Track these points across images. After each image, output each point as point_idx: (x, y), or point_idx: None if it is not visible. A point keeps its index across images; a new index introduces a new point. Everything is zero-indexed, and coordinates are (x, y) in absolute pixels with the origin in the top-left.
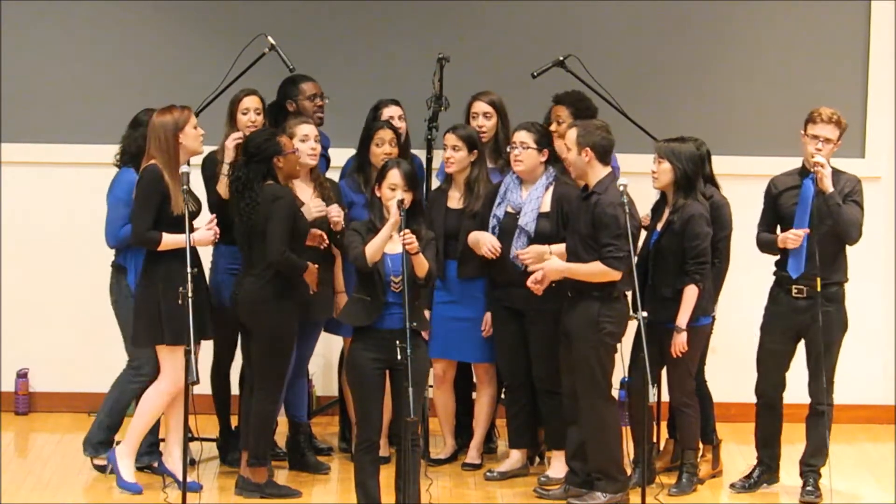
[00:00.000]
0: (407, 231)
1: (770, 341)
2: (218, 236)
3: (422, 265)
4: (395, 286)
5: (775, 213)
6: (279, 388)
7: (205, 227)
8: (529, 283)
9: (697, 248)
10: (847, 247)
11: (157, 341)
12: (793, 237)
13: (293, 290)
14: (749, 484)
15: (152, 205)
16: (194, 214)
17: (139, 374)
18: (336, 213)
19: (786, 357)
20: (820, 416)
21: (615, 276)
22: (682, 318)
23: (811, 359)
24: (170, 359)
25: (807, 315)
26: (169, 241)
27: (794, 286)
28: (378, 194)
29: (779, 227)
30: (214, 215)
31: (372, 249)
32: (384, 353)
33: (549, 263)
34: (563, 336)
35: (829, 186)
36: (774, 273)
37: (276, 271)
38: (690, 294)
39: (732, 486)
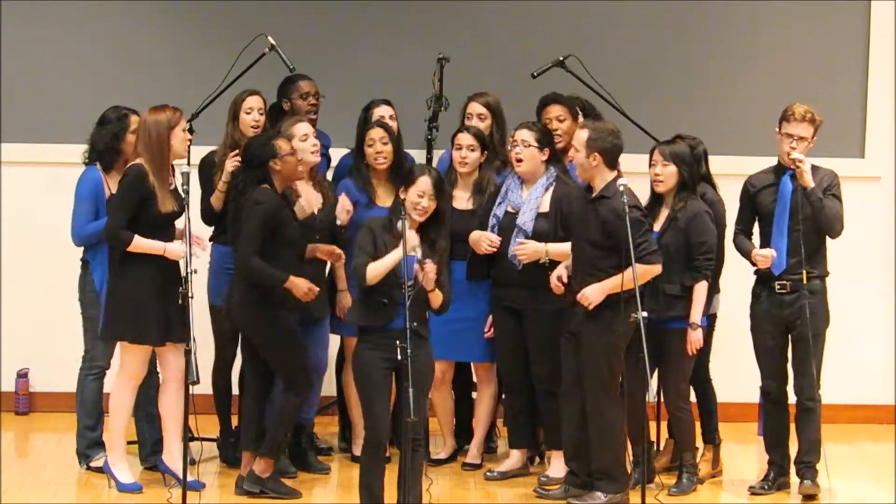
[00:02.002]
0: (426, 264)
1: (763, 339)
2: (189, 256)
3: (436, 298)
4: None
5: (754, 211)
6: (306, 381)
7: (181, 242)
8: (553, 283)
9: (706, 244)
10: (828, 241)
11: (121, 337)
12: (762, 258)
13: (279, 293)
14: (767, 486)
15: (131, 204)
16: (176, 215)
17: (94, 367)
18: (347, 206)
19: (781, 351)
20: (809, 412)
21: (657, 270)
22: (696, 314)
23: (797, 354)
24: (129, 356)
25: (792, 309)
26: (141, 244)
27: (777, 282)
28: (403, 197)
29: (757, 225)
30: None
31: (373, 273)
32: (393, 353)
33: (588, 290)
34: (569, 335)
35: (810, 182)
36: (756, 272)
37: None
38: (701, 290)
39: (751, 488)
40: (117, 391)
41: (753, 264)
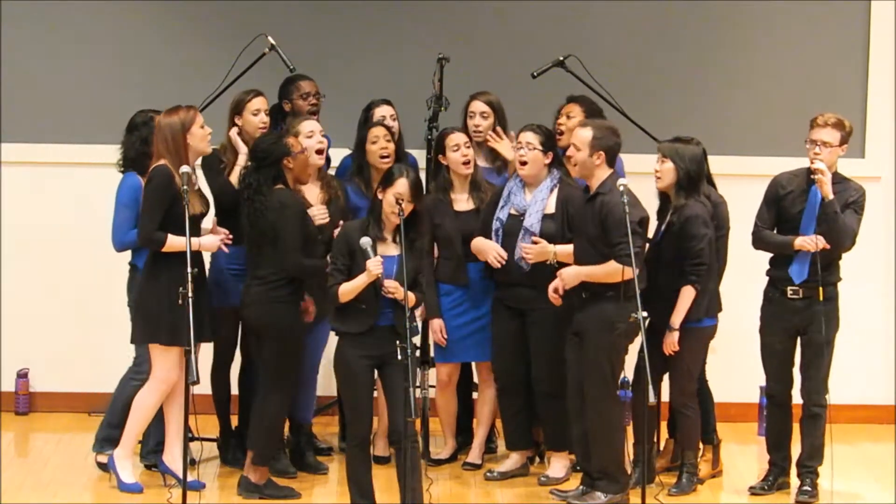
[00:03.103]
0: (391, 285)
1: (771, 342)
2: (224, 245)
3: (410, 301)
4: (387, 291)
5: (778, 212)
6: (291, 390)
7: (216, 235)
8: (550, 294)
9: (694, 248)
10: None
11: (153, 340)
12: (810, 242)
13: (300, 293)
14: (767, 486)
15: (161, 206)
16: (203, 215)
17: (139, 372)
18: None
19: (789, 355)
20: (815, 417)
21: (628, 273)
22: (676, 319)
23: (805, 359)
24: (162, 357)
25: (804, 315)
26: (175, 243)
27: (790, 287)
28: (381, 197)
29: (776, 229)
30: (223, 230)
31: (344, 295)
32: (373, 350)
33: (564, 270)
34: (572, 335)
35: (828, 193)
36: (768, 273)
37: (286, 276)
38: (686, 295)
39: (752, 488)
40: (146, 392)
41: (790, 254)
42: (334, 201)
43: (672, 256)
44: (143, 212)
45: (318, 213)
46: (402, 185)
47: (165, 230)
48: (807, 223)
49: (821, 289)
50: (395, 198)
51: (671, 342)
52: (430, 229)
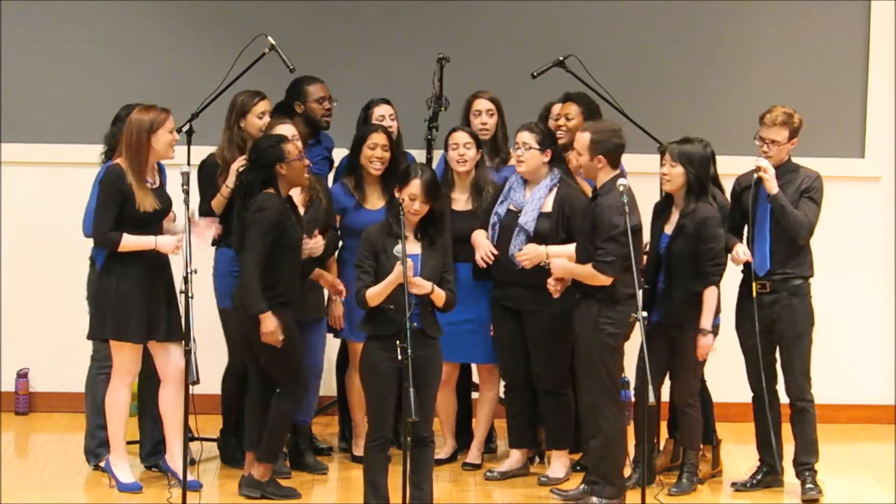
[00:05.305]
0: (415, 281)
1: (745, 338)
2: (179, 250)
3: (439, 297)
4: (412, 284)
5: (740, 209)
6: (301, 386)
7: (175, 237)
8: (550, 286)
9: (714, 249)
10: (819, 241)
11: (102, 335)
12: (742, 256)
13: (284, 294)
14: (751, 484)
15: (113, 205)
16: (160, 213)
17: (104, 366)
18: (311, 246)
19: (763, 350)
20: (801, 412)
21: (604, 280)
22: (707, 320)
23: (781, 356)
24: (118, 354)
25: (771, 310)
26: (131, 242)
27: (756, 283)
28: (399, 197)
29: (746, 226)
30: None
31: (373, 298)
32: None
33: (556, 261)
34: (574, 337)
35: (772, 189)
36: (742, 270)
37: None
38: (711, 295)
39: (734, 484)
40: (112, 391)
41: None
42: (315, 203)
43: (686, 259)
44: (97, 212)
45: (314, 247)
46: (414, 186)
47: (120, 229)
48: (761, 217)
49: (754, 284)
50: (409, 197)
51: (706, 344)
52: (450, 227)
